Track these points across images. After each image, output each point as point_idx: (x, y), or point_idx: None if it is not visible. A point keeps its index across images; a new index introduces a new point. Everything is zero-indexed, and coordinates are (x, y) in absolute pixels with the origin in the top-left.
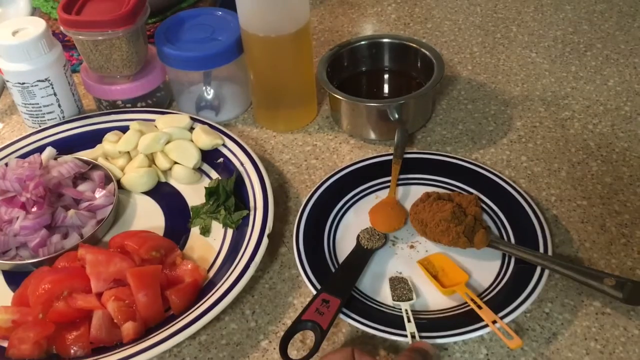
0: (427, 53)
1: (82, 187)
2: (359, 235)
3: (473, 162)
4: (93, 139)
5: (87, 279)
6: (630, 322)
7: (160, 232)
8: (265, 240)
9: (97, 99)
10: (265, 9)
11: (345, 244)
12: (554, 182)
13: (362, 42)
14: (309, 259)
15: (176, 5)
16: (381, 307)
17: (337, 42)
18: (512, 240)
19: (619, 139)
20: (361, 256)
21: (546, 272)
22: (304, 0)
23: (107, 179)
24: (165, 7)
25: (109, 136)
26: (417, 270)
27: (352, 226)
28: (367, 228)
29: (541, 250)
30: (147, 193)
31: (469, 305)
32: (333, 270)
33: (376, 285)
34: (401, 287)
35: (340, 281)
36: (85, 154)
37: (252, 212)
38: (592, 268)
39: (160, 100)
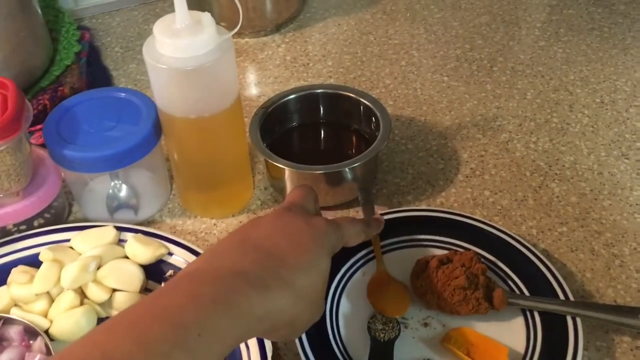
0: (362, 99)
1: (5, 357)
2: (369, 327)
3: (447, 210)
4: None
5: None
6: None
7: None
8: None
9: None
10: (197, 90)
11: (353, 339)
12: (526, 213)
13: (290, 97)
14: None
15: (35, 85)
16: None
17: (241, 95)
18: (524, 290)
19: (563, 153)
20: (383, 352)
21: (579, 320)
22: (234, 70)
23: (29, 333)
24: (22, 89)
25: (15, 276)
26: (444, 353)
27: (352, 316)
28: (374, 316)
29: (560, 295)
30: None
31: None
32: None
33: None
34: None
35: None
36: None
37: None
38: (621, 305)
39: (59, 210)
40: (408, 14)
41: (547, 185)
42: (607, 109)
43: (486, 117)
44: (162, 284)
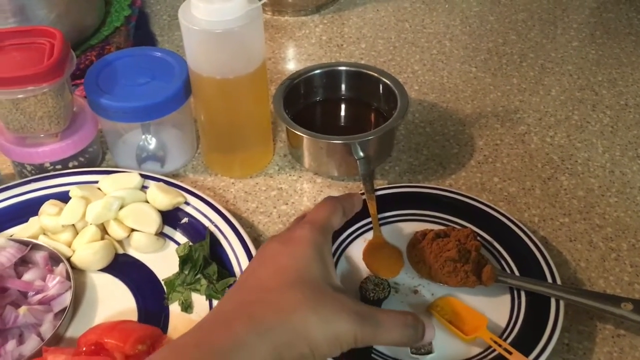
0: (383, 79)
1: (29, 275)
2: (361, 287)
3: (453, 190)
4: (23, 212)
5: None
6: None
7: (134, 317)
8: None
9: (17, 164)
10: (224, 52)
11: None
12: (531, 201)
13: (315, 72)
14: None
15: (85, 42)
16: None
17: (273, 69)
18: (515, 271)
19: (578, 149)
20: None
21: (562, 303)
22: (261, 38)
23: (53, 259)
24: (72, 45)
25: (46, 208)
26: (429, 318)
27: (348, 277)
28: (367, 277)
29: (548, 279)
30: (104, 270)
31: (493, 352)
32: None
33: None
34: None
35: None
36: (18, 232)
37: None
38: (606, 293)
39: (93, 156)
40: (446, 5)
41: (556, 178)
42: (630, 111)
43: (507, 109)
44: (177, 229)
